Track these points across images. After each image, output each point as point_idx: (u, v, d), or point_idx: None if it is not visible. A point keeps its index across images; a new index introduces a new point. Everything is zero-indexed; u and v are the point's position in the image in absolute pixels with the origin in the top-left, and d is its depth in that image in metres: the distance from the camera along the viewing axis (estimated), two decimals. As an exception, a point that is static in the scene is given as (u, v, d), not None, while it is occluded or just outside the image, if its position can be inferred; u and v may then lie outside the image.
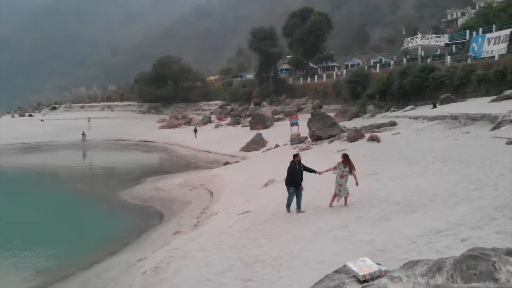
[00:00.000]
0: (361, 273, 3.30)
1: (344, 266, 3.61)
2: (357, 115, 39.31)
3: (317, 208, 12.13)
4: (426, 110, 30.70)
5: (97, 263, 12.80)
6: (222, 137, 45.76)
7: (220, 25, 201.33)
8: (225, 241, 10.74)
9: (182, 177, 26.23)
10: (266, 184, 18.21)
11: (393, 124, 28.38)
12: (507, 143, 15.46)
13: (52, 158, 45.54)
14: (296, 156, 12.59)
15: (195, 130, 52.97)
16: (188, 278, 8.71)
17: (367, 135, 24.77)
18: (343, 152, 13.03)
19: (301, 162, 12.54)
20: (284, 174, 18.66)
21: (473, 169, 12.98)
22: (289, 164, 12.55)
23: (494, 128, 18.73)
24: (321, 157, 21.13)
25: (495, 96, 27.73)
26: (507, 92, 26.85)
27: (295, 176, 12.22)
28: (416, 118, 27.91)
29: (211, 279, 8.30)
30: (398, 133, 24.84)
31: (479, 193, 10.32)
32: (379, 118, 33.68)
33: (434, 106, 31.23)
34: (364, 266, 3.40)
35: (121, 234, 16.27)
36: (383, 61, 63.22)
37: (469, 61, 38.06)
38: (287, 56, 75.39)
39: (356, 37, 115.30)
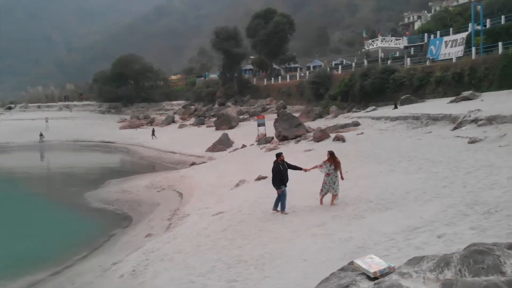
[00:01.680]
0: (371, 270, 3.37)
1: (351, 263, 3.68)
2: (320, 116, 39.89)
3: (293, 207, 12.20)
4: (387, 110, 31.55)
5: (68, 268, 12.41)
6: (187, 138, 45.21)
7: (181, 24, 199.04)
8: (203, 242, 10.65)
9: (148, 178, 25.69)
10: (237, 185, 18.17)
11: (356, 124, 29.05)
12: (469, 143, 16.13)
13: (9, 160, 43.71)
14: (279, 156, 12.34)
15: (153, 132, 50.88)
16: (169, 280, 8.57)
17: (333, 135, 25.23)
18: (329, 149, 12.75)
19: (284, 161, 12.42)
20: (254, 174, 18.95)
21: (440, 167, 13.45)
22: (272, 164, 12.40)
23: (455, 128, 19.48)
24: (289, 156, 20.93)
25: (454, 97, 28.85)
26: (465, 93, 28.02)
27: (281, 175, 12.07)
28: (378, 118, 28.61)
29: (193, 281, 8.19)
30: (362, 133, 25.43)
31: (449, 190, 10.70)
32: (342, 119, 34.40)
33: (395, 107, 32.21)
34: (373, 263, 3.47)
35: (88, 238, 15.83)
36: (344, 63, 64.45)
37: (427, 63, 39.31)
38: (251, 57, 75.58)
39: (316, 39, 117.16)
